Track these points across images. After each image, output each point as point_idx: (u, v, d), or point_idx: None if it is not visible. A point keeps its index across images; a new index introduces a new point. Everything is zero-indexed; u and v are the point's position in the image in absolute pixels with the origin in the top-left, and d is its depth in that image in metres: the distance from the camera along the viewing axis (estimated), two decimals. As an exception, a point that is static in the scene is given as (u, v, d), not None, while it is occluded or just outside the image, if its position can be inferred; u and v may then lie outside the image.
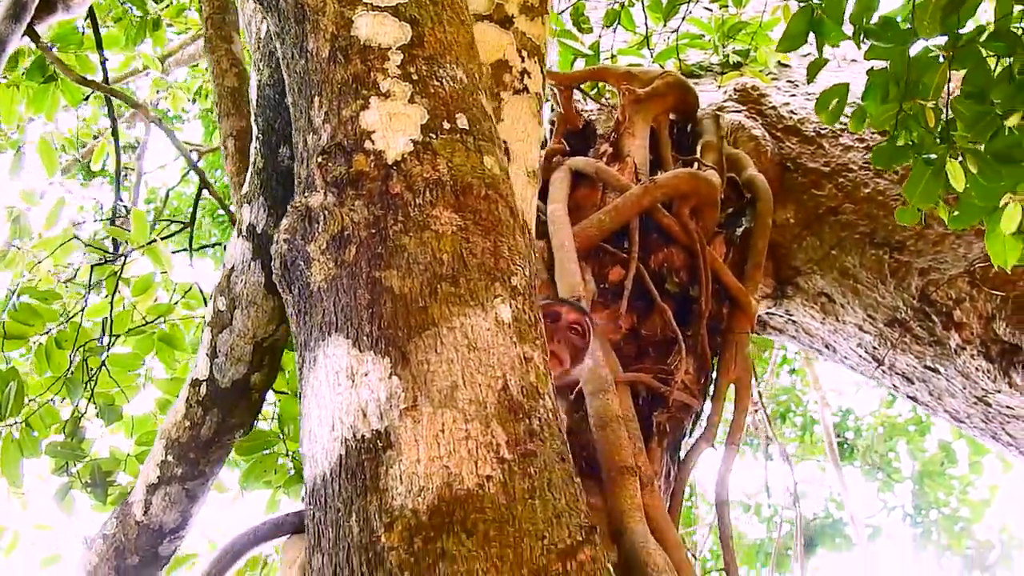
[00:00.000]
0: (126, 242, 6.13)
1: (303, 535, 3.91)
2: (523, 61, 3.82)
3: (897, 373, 6.51)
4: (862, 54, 4.47)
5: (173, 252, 6.51)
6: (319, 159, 2.76)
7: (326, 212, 2.66)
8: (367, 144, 2.72)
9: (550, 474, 2.36)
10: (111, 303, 5.97)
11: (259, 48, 3.67)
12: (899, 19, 4.52)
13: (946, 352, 6.04)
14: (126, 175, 13.25)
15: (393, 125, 2.74)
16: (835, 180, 6.48)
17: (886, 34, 4.41)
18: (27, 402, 5.72)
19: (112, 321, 5.97)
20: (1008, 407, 5.91)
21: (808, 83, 5.07)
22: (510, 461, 2.30)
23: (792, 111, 6.92)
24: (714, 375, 5.28)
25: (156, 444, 4.29)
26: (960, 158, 4.15)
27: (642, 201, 5.05)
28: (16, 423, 5.62)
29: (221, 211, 12.23)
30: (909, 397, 6.71)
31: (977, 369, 5.87)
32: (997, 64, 4.25)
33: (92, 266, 6.18)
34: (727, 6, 7.49)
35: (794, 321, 7.03)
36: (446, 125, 2.78)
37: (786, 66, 7.40)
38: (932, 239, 6.00)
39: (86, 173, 12.23)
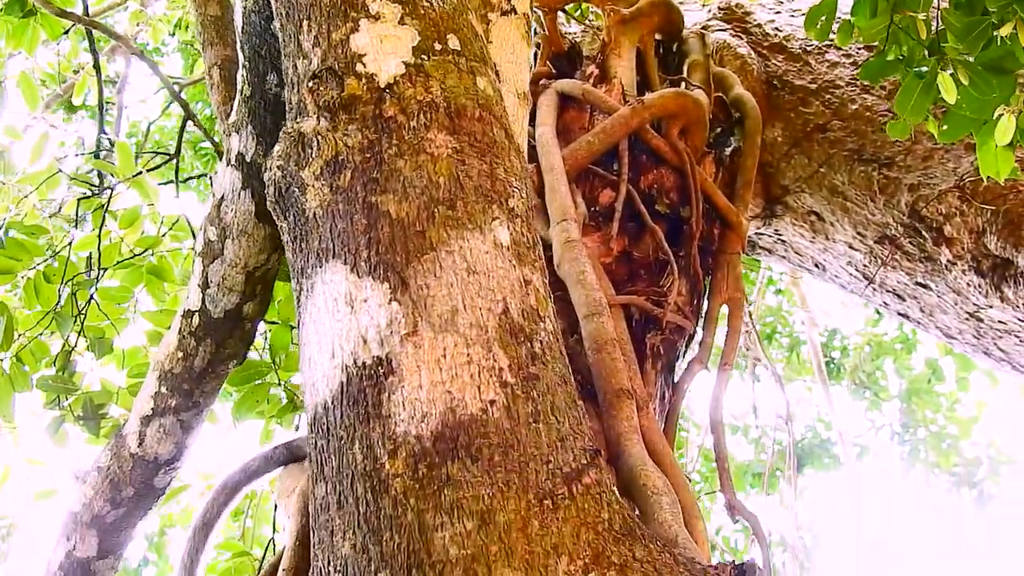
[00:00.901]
0: (111, 175, 6.08)
1: (297, 465, 3.92)
2: (511, -19, 3.77)
3: (888, 290, 6.51)
4: None
5: (159, 184, 6.46)
6: (310, 84, 2.72)
7: (319, 137, 2.63)
8: (358, 67, 2.68)
9: (553, 397, 2.35)
10: (99, 237, 5.93)
11: (244, -26, 3.62)
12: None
13: (937, 268, 6.03)
14: (107, 109, 13.16)
15: (384, 47, 2.71)
16: (822, 97, 6.43)
17: (874, -54, 4.38)
18: (17, 337, 5.69)
19: (100, 255, 5.93)
20: (1000, 322, 5.91)
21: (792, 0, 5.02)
22: (512, 385, 2.30)
23: (777, 28, 6.86)
24: (706, 296, 5.26)
25: (149, 376, 4.28)
26: (951, 70, 4.11)
27: (631, 122, 5.00)
28: (6, 358, 5.60)
29: (205, 143, 12.13)
30: (900, 314, 6.71)
31: (968, 284, 5.86)
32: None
33: (78, 200, 6.13)
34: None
35: (783, 240, 7.01)
36: (437, 46, 2.74)
37: (773, -17, 7.34)
38: (921, 154, 5.97)
39: (67, 107, 12.12)
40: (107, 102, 10.75)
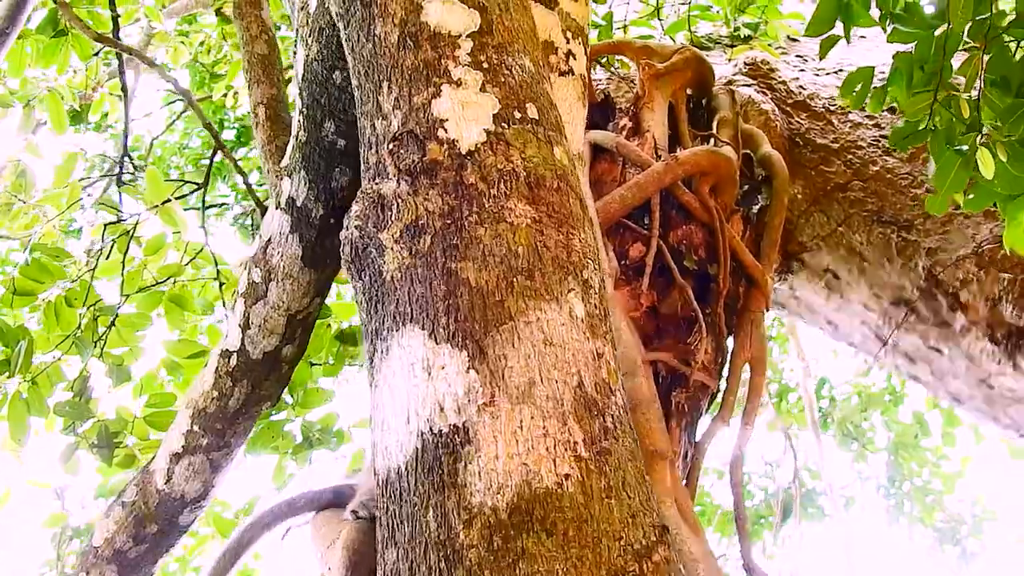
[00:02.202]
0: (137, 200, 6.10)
1: (334, 512, 3.93)
2: (568, 42, 3.82)
3: (900, 353, 6.55)
4: (870, 32, 4.49)
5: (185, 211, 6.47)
6: (390, 146, 2.74)
7: (400, 200, 2.65)
8: (440, 132, 2.70)
9: (624, 473, 2.37)
10: (123, 263, 5.94)
11: (307, 23, 3.64)
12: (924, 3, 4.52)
13: (951, 333, 6.07)
14: (113, 124, 13.17)
15: (466, 114, 2.73)
16: (844, 157, 6.49)
17: (911, 19, 4.42)
18: (34, 361, 5.69)
19: (124, 281, 5.94)
20: (1011, 389, 5.95)
21: (819, 59, 5.06)
22: (587, 459, 2.31)
23: (801, 86, 6.92)
24: (730, 354, 5.28)
25: (181, 413, 4.29)
26: (986, 146, 4.16)
27: (664, 178, 5.03)
28: (24, 381, 5.60)
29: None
30: (911, 376, 6.74)
31: (982, 351, 5.90)
32: (1017, 50, 4.28)
33: (104, 225, 6.14)
34: (740, -23, 7.48)
35: (797, 297, 7.05)
36: (517, 115, 2.77)
37: (795, 40, 7.40)
38: (940, 219, 6.02)
39: (73, 118, 12.11)
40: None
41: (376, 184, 2.73)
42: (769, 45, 7.13)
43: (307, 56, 3.63)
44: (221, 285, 6.15)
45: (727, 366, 5.27)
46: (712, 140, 5.84)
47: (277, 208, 3.91)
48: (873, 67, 4.72)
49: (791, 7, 7.52)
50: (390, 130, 2.79)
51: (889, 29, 4.44)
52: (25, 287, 5.75)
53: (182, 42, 11.02)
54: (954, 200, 4.44)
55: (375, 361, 2.61)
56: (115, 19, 6.93)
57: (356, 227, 2.72)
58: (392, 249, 2.63)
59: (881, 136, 6.46)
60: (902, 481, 14.92)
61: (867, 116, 6.57)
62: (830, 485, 14.22)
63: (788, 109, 6.79)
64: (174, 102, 14.15)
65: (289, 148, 3.87)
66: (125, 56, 7.43)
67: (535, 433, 2.31)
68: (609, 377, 2.52)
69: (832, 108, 6.71)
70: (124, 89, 7.24)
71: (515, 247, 2.55)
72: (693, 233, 5.24)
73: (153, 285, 5.97)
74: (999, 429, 6.43)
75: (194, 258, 6.30)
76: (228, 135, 15.29)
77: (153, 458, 4.43)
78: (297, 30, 3.86)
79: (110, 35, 6.73)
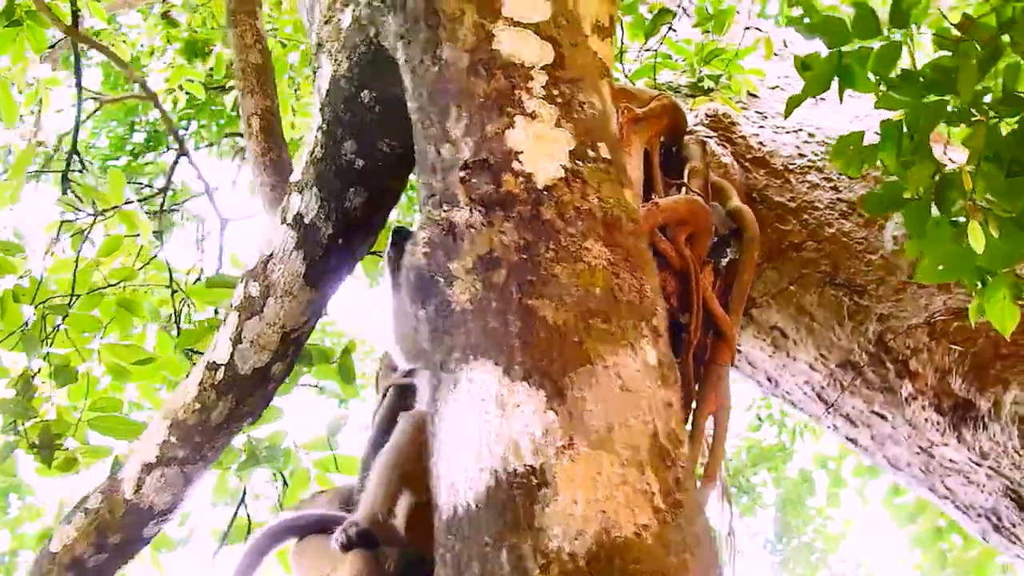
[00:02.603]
0: (92, 201, 5.96)
1: (323, 539, 3.83)
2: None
3: (841, 415, 6.57)
4: (829, 93, 4.51)
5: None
6: (461, 173, 2.69)
7: (472, 230, 2.60)
8: (515, 165, 2.65)
9: (694, 526, 2.34)
10: (76, 262, 5.80)
11: (338, 38, 3.57)
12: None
13: (896, 400, 6.10)
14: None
15: (541, 148, 2.68)
16: (800, 216, 6.51)
17: (907, 87, 4.45)
18: (-26, 356, 5.54)
19: (75, 280, 5.79)
20: (951, 460, 5.99)
21: (785, 117, 5.08)
22: (663, 511, 2.28)
23: (761, 142, 6.94)
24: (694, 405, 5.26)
25: (157, 422, 4.18)
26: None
27: (644, 224, 5.02)
28: (-38, 377, 5.44)
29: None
30: (849, 439, 6.77)
31: (927, 420, 5.93)
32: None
33: (61, 222, 6.00)
34: (708, 31, 7.50)
35: (739, 350, 7.06)
36: (591, 153, 2.73)
37: (755, 96, 7.43)
38: (894, 286, 6.05)
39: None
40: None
41: (445, 212, 2.67)
42: (730, 99, 7.16)
43: (335, 72, 3.56)
44: (173, 293, 6.03)
45: (690, 418, 5.25)
46: (684, 189, 5.83)
47: (282, 223, 3.83)
48: (862, 132, 4.74)
49: (753, 63, 7.56)
50: (459, 157, 2.73)
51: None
52: (-28, 280, 5.60)
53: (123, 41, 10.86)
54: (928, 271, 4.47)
55: (440, 392, 2.55)
56: (75, 13, 6.78)
57: (424, 254, 2.65)
58: (463, 279, 2.57)
59: (838, 199, 6.50)
60: (789, 538, 15.04)
61: (825, 178, 6.61)
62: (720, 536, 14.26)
63: (747, 164, 6.81)
64: (87, 100, 13.91)
65: (302, 163, 3.79)
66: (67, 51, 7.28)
67: (614, 480, 2.27)
68: (678, 428, 2.50)
69: (791, 167, 6.73)
70: (79, 85, 7.08)
71: (592, 288, 2.51)
72: (667, 281, 5.21)
73: (105, 287, 5.83)
74: (935, 498, 6.48)
75: (148, 263, 6.16)
76: (138, 137, 15.12)
77: (122, 466, 4.30)
78: (318, 43, 3.80)
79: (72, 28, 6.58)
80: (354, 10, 3.50)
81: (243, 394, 4.04)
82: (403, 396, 4.66)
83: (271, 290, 3.85)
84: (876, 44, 4.48)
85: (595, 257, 2.55)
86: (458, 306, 2.55)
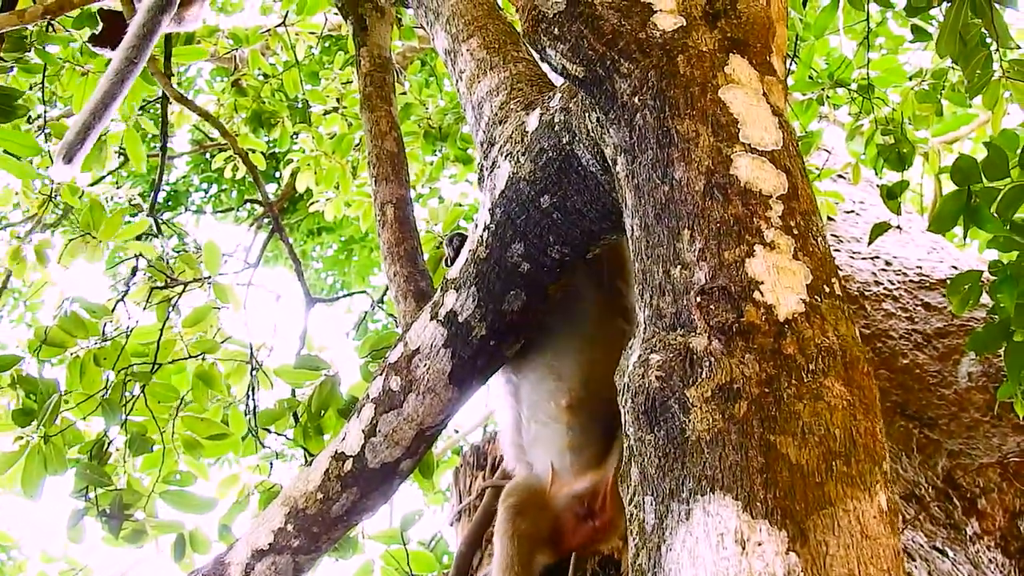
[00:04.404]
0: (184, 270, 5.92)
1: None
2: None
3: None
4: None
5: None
6: (698, 299, 2.64)
7: (712, 358, 2.55)
8: (756, 295, 2.61)
9: None
10: (161, 330, 5.73)
11: (522, 140, 3.54)
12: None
13: (960, 537, 6.06)
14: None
15: (781, 280, 2.64)
16: (873, 344, 6.50)
17: (1024, 231, 4.46)
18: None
19: (159, 348, 5.72)
20: (1013, 604, 5.96)
21: (868, 245, 5.08)
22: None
23: (837, 266, 6.95)
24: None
25: (275, 508, 4.10)
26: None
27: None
28: (41, 436, 5.34)
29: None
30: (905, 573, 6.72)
31: (990, 561, 5.90)
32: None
33: (151, 288, 5.94)
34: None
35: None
36: (826, 289, 2.69)
37: (831, 220, 7.45)
38: (966, 422, 6.05)
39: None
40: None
41: (682, 336, 2.63)
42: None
43: (514, 173, 3.52)
44: (253, 370, 5.96)
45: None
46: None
47: (432, 319, 3.78)
48: (980, 271, 4.75)
49: (828, 186, 7.59)
50: (694, 281, 2.69)
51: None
52: (57, 338, 5.51)
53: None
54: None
55: (668, 522, 2.49)
56: (168, 72, 6.77)
57: (658, 378, 2.61)
58: (701, 408, 2.52)
59: (914, 329, 6.50)
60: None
61: (901, 307, 6.62)
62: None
63: (822, 287, 6.81)
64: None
65: (461, 261, 3.75)
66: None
67: (859, 630, 2.22)
68: (907, 578, 2.45)
69: (866, 293, 6.74)
70: (164, 146, 7.05)
71: (833, 429, 2.47)
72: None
73: (186, 357, 5.76)
74: (990, 640, 6.42)
75: (229, 337, 6.09)
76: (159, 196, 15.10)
77: (229, 549, 4.21)
78: (490, 141, 3.77)
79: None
80: (543, 114, 3.48)
81: (369, 488, 3.96)
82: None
83: (413, 385, 3.79)
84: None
85: (835, 396, 2.51)
86: (694, 435, 2.50)
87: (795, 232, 2.74)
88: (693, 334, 2.62)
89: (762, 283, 2.63)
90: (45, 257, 7.17)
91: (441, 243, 6.13)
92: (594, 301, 4.06)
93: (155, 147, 10.25)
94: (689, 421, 2.52)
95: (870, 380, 2.64)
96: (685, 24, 3.02)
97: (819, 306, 2.64)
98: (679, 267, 2.74)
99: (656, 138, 2.92)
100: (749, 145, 2.84)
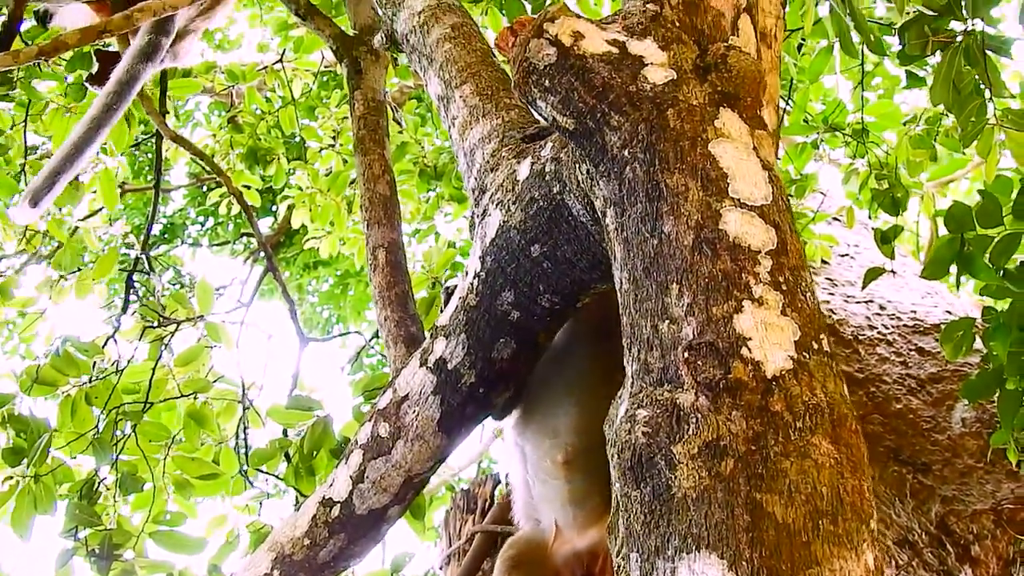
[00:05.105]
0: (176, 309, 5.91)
1: None
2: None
3: (894, 593, 6.52)
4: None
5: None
6: (685, 354, 2.63)
7: (699, 415, 2.54)
8: (744, 351, 2.60)
9: None
10: (153, 370, 5.72)
11: (513, 189, 3.53)
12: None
13: (955, 584, 6.05)
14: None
15: (769, 336, 2.64)
16: (867, 388, 6.50)
17: (1020, 279, 4.46)
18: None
19: (151, 387, 5.71)
20: (1003, 652, 5.94)
21: (861, 289, 5.08)
22: None
23: (831, 310, 6.95)
24: None
25: (261, 554, 4.08)
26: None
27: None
28: (30, 476, 5.32)
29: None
30: (897, 618, 6.71)
31: (984, 608, 5.89)
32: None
33: (143, 327, 5.93)
34: (790, 195, 7.53)
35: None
36: (815, 345, 2.68)
37: (826, 263, 7.46)
38: (960, 468, 6.04)
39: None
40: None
41: (670, 392, 2.62)
42: (801, 265, 7.16)
43: (505, 222, 3.52)
44: (245, 409, 5.95)
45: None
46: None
47: (422, 366, 3.77)
48: (973, 319, 4.74)
49: (823, 229, 7.59)
50: (681, 336, 2.68)
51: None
52: (48, 377, 5.51)
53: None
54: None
55: (652, 579, 2.49)
56: (163, 112, 6.76)
57: (644, 434, 2.59)
58: (687, 465, 2.51)
59: (907, 374, 6.50)
60: None
61: (895, 352, 6.61)
62: None
63: (816, 331, 6.80)
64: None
65: (451, 309, 3.75)
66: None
67: None
68: (895, 639, 2.45)
69: (860, 338, 6.74)
70: (157, 185, 7.05)
71: (819, 487, 2.46)
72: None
73: (178, 397, 5.75)
74: None
75: (221, 376, 6.08)
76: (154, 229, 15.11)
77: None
78: (481, 188, 3.77)
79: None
80: (534, 163, 3.48)
81: (356, 534, 3.95)
82: (491, 543, 4.63)
83: (402, 432, 3.78)
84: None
85: (823, 454, 2.51)
86: (680, 492, 2.50)
87: (784, 288, 2.74)
88: (680, 390, 2.61)
89: (750, 339, 2.62)
90: (8, 294, 7.20)
91: (435, 283, 6.14)
92: (586, 353, 4.05)
93: (150, 179, 10.26)
94: (675, 478, 2.51)
95: (858, 438, 2.63)
96: (676, 78, 3.02)
97: (807, 363, 2.63)
98: (667, 322, 2.73)
99: (645, 191, 2.91)
100: (738, 200, 2.84)
